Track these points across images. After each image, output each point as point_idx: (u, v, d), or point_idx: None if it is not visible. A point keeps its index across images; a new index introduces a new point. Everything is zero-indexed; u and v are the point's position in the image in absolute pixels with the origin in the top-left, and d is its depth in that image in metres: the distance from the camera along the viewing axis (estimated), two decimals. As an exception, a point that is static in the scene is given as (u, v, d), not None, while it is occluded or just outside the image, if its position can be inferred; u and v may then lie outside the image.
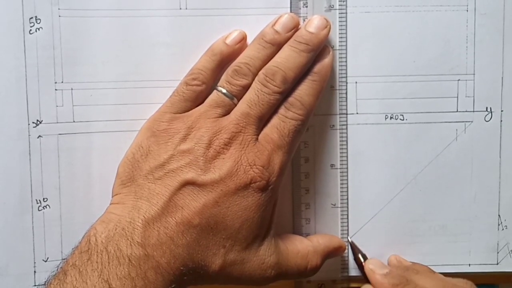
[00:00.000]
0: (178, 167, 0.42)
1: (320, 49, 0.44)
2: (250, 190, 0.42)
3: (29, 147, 0.46)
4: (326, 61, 0.45)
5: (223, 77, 0.44)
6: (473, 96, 0.48)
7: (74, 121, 0.47)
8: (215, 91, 0.44)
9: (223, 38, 0.45)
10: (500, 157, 0.49)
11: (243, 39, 0.45)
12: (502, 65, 0.48)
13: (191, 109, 0.44)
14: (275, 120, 0.43)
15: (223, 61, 0.45)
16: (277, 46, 0.44)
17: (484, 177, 0.49)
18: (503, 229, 0.49)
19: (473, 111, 0.48)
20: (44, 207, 0.47)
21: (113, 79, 0.47)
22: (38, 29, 0.46)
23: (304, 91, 0.44)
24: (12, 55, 0.45)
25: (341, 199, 0.48)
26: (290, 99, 0.44)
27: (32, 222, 0.47)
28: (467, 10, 0.47)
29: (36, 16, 0.46)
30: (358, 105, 0.48)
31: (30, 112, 0.46)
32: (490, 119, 0.48)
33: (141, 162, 0.43)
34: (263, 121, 0.43)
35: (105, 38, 0.46)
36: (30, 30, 0.46)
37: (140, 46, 0.47)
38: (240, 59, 0.44)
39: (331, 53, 0.45)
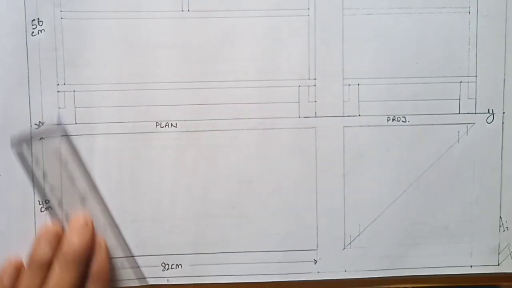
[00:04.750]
0: None
1: (89, 249, 0.44)
2: None
3: (32, 148, 0.46)
4: (101, 258, 0.45)
5: None
6: (475, 98, 0.48)
7: (76, 123, 0.47)
8: None
9: None
10: (501, 159, 0.49)
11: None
12: (504, 67, 0.48)
13: None
14: None
15: None
16: (49, 265, 0.44)
17: (485, 179, 0.49)
18: (504, 231, 0.49)
19: (475, 113, 0.48)
20: (47, 209, 0.47)
21: (115, 81, 0.47)
22: (40, 31, 0.46)
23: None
24: (14, 57, 0.46)
25: (345, 201, 0.49)
26: None
27: (35, 223, 0.47)
28: (469, 12, 0.47)
29: (38, 19, 0.46)
30: (360, 107, 0.48)
31: (33, 114, 0.46)
32: (492, 121, 0.48)
33: None
34: None
35: (107, 40, 0.46)
36: (33, 32, 0.46)
37: (142, 48, 0.47)
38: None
39: (103, 246, 0.45)
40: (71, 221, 0.45)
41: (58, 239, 0.45)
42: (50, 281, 0.43)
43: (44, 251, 0.44)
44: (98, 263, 0.45)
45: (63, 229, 0.46)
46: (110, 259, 0.46)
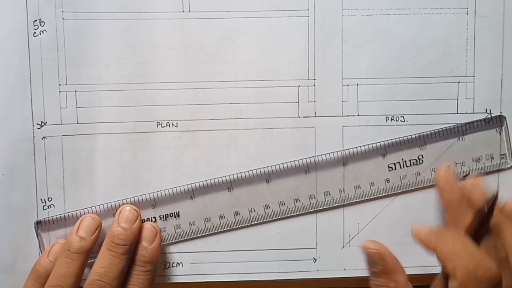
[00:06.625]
0: None
1: (135, 241, 0.45)
2: None
3: (34, 148, 0.47)
4: (154, 246, 0.45)
5: None
6: (473, 98, 0.48)
7: (78, 123, 0.47)
8: None
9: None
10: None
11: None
12: (501, 67, 0.48)
13: None
14: None
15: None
16: (87, 253, 0.44)
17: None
18: (502, 230, 0.49)
19: (473, 113, 0.48)
20: (49, 207, 0.47)
21: (117, 81, 0.47)
22: (42, 31, 0.46)
23: (139, 285, 0.44)
24: (16, 57, 0.46)
25: (345, 200, 0.49)
26: None
27: (37, 221, 0.47)
28: (467, 13, 0.48)
29: (40, 19, 0.46)
30: (359, 107, 0.48)
31: (35, 114, 0.47)
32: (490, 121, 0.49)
33: None
34: None
35: (109, 40, 0.47)
36: (34, 32, 0.46)
37: (144, 48, 0.47)
38: (52, 280, 0.43)
39: (158, 235, 0.46)
40: (121, 209, 0.46)
41: (97, 228, 0.45)
42: (99, 267, 0.43)
43: (84, 238, 0.44)
44: (152, 250, 0.45)
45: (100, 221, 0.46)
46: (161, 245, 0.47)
